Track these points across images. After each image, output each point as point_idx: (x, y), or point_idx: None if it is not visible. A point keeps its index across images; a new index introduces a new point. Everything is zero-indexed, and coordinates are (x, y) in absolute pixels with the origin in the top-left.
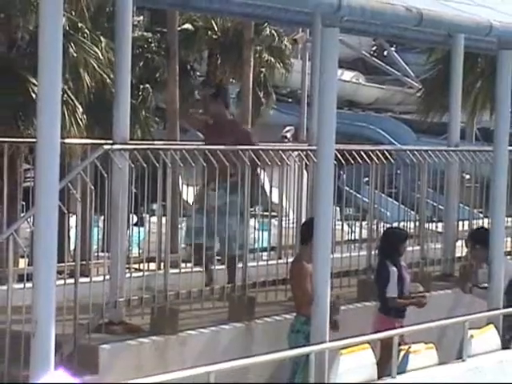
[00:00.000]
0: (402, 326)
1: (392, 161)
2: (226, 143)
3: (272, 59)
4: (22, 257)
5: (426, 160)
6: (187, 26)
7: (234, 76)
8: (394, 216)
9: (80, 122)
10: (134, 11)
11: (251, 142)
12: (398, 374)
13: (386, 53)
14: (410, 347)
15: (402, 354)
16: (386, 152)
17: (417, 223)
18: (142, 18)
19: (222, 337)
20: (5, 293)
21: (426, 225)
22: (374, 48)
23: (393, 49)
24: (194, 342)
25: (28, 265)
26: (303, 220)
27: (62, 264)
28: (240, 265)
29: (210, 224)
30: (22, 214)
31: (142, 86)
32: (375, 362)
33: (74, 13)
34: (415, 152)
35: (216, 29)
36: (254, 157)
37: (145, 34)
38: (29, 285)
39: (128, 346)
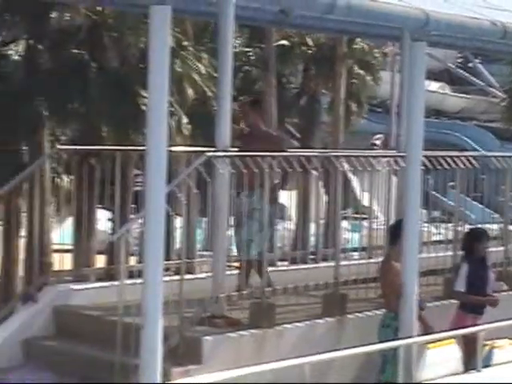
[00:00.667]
0: (477, 324)
1: (477, 166)
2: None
3: (362, 72)
4: (133, 255)
5: (509, 165)
6: (283, 42)
7: (326, 87)
8: (479, 218)
9: (184, 132)
10: (235, 29)
11: (282, 150)
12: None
13: (470, 64)
14: (494, 343)
15: (486, 349)
16: (470, 158)
17: (500, 225)
18: (241, 34)
19: (316, 330)
20: (117, 288)
21: (510, 227)
22: (460, 60)
23: (477, 60)
24: (289, 334)
25: (138, 262)
26: (392, 222)
27: (169, 262)
28: (332, 263)
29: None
30: (133, 216)
31: (241, 98)
32: (460, 357)
33: (179, 31)
34: (499, 158)
35: (310, 44)
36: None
37: (244, 49)
38: (139, 281)
39: (229, 338)
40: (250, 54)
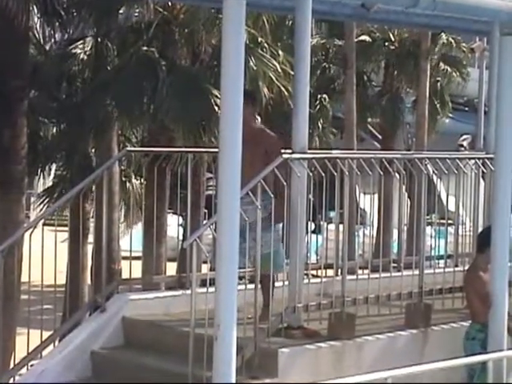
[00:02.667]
0: None
1: None
2: (256, 154)
3: (448, 68)
4: (205, 262)
5: None
6: (364, 37)
7: (409, 85)
8: None
9: None
10: (313, 24)
11: (280, 153)
12: None
13: None
14: None
15: None
16: None
17: None
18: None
19: (398, 343)
20: (189, 297)
21: None
22: None
23: None
24: (370, 347)
25: (210, 270)
26: (480, 228)
27: (243, 269)
28: (416, 271)
29: None
30: (205, 221)
31: (319, 96)
32: None
33: (254, 27)
34: None
35: (393, 39)
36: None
37: (322, 44)
38: (211, 289)
39: (306, 350)
40: (329, 49)
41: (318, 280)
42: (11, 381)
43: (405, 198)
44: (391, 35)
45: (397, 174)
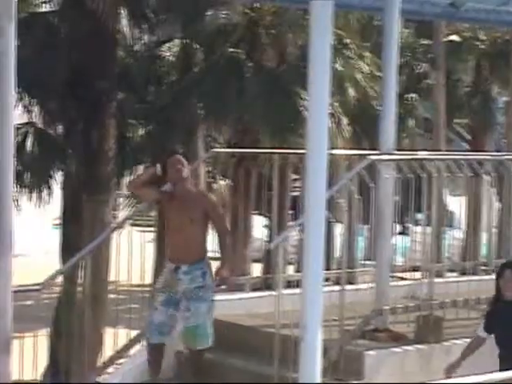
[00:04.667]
0: None
1: None
2: (188, 218)
3: None
4: (290, 263)
5: None
6: (453, 37)
7: (501, 85)
8: None
9: (345, 134)
10: (401, 24)
11: (219, 214)
12: None
13: None
14: None
15: None
16: None
17: None
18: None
19: (487, 347)
20: (274, 298)
21: None
22: None
23: None
24: (458, 351)
25: (296, 271)
26: None
27: (329, 271)
28: None
29: None
30: (290, 223)
31: (407, 96)
32: None
33: (341, 28)
34: None
35: (483, 39)
36: None
37: (410, 43)
38: (297, 291)
39: (393, 354)
40: (417, 49)
41: (405, 282)
42: (99, 379)
43: (494, 201)
44: (481, 34)
45: (486, 176)
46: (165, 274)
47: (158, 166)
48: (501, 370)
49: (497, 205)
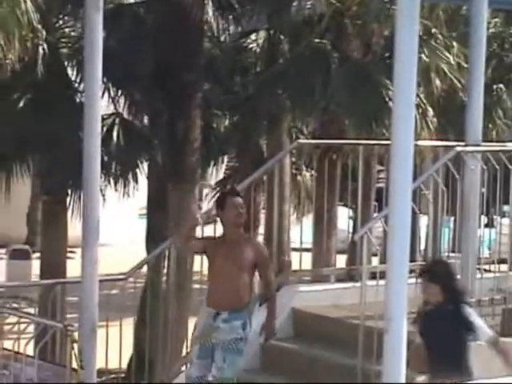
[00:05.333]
0: None
1: None
2: (240, 265)
3: None
4: (375, 255)
5: None
6: None
7: None
8: None
9: (430, 125)
10: (489, 13)
11: (268, 267)
12: None
13: None
14: None
15: None
16: None
17: None
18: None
19: None
20: (358, 289)
21: None
22: None
23: None
24: None
25: (380, 263)
26: None
27: (414, 263)
28: None
29: None
30: (375, 214)
31: (495, 87)
32: None
33: (428, 18)
34: None
35: None
36: None
37: (498, 31)
38: (381, 282)
39: (477, 346)
40: (506, 39)
41: (491, 275)
42: (183, 368)
43: None
44: None
45: None
46: (203, 320)
47: (199, 217)
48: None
49: None
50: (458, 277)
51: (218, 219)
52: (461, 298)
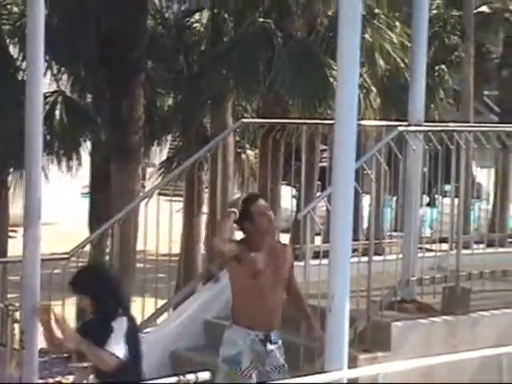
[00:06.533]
0: None
1: None
2: (280, 279)
3: None
4: (318, 234)
5: None
6: (484, 8)
7: None
8: None
9: (374, 104)
10: None
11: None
12: None
13: None
14: None
15: None
16: None
17: None
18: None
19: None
20: (302, 268)
21: None
22: None
23: None
24: (485, 323)
25: (323, 242)
26: None
27: (357, 242)
28: None
29: None
30: (319, 193)
31: (437, 67)
32: None
33: None
34: None
35: None
36: None
37: (440, 12)
38: (324, 261)
39: (419, 325)
40: (447, 20)
41: (433, 254)
42: None
43: None
44: None
45: None
46: (241, 347)
47: (234, 212)
48: None
49: None
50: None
51: (242, 232)
52: (113, 307)
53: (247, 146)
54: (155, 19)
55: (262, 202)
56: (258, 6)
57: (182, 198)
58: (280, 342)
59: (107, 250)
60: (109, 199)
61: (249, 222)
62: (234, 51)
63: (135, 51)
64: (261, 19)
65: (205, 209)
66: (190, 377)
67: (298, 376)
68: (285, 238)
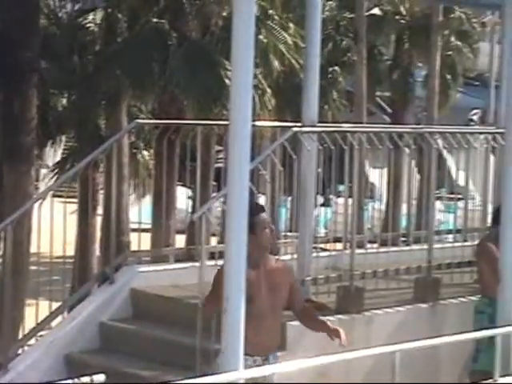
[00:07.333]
0: None
1: None
2: (279, 299)
3: (460, 43)
4: (214, 235)
5: None
6: (375, 10)
7: (421, 59)
8: None
9: (269, 105)
10: None
11: (298, 287)
12: None
13: None
14: None
15: None
16: None
17: None
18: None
19: (407, 317)
20: (197, 269)
21: None
22: None
23: None
24: (379, 321)
25: (219, 243)
26: (489, 203)
27: None
28: (425, 246)
29: None
30: (214, 194)
31: (331, 69)
32: None
33: (265, 0)
34: None
35: (404, 13)
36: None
37: (334, 13)
38: (220, 262)
39: None
40: (340, 22)
41: (327, 253)
42: (20, 351)
43: (414, 173)
44: (402, 9)
45: (407, 149)
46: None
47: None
48: None
49: (416, 177)
50: None
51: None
52: None
53: (142, 146)
54: (48, 19)
55: (264, 215)
56: (153, 7)
57: (76, 200)
58: (278, 362)
59: (0, 253)
60: (1, 201)
61: (250, 234)
62: (129, 51)
63: (28, 51)
64: (155, 19)
65: (99, 210)
66: (85, 379)
67: (194, 377)
68: (181, 239)
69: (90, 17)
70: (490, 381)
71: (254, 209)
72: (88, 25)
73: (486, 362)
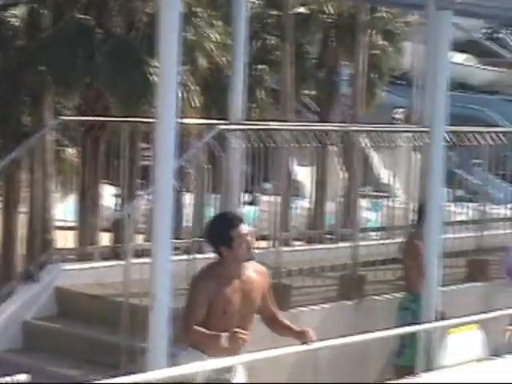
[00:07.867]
0: None
1: (504, 142)
2: (252, 308)
3: (385, 42)
4: (139, 233)
5: None
6: (301, 9)
7: (347, 58)
8: (508, 198)
9: (196, 103)
10: None
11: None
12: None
13: (499, 35)
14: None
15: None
16: (498, 134)
17: None
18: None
19: (332, 314)
20: (123, 267)
21: None
22: (487, 31)
23: (506, 31)
24: (304, 318)
25: (145, 241)
26: (413, 201)
27: (178, 240)
28: (350, 243)
29: None
30: (140, 192)
31: (257, 67)
32: (483, 343)
33: None
34: None
35: (330, 12)
36: None
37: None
38: (146, 260)
39: None
40: (267, 20)
41: (254, 251)
42: None
43: (340, 171)
44: (328, 8)
45: (333, 147)
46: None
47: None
48: None
49: (342, 175)
50: None
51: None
52: None
53: (67, 144)
54: None
55: (243, 225)
56: (77, 2)
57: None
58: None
59: None
60: None
61: (227, 248)
62: (53, 47)
63: None
64: (80, 15)
65: (23, 208)
66: (7, 379)
67: (119, 376)
68: (106, 237)
69: (13, 11)
70: (416, 378)
71: (232, 220)
72: (10, 19)
73: (410, 357)
